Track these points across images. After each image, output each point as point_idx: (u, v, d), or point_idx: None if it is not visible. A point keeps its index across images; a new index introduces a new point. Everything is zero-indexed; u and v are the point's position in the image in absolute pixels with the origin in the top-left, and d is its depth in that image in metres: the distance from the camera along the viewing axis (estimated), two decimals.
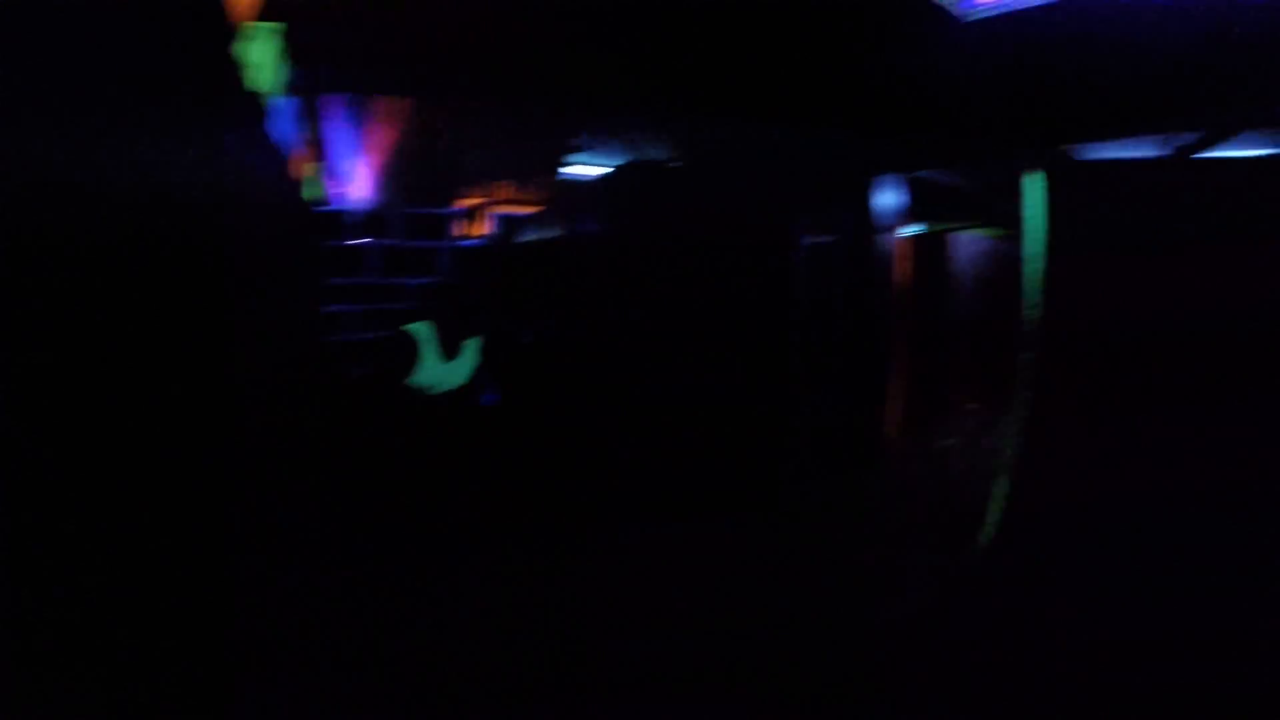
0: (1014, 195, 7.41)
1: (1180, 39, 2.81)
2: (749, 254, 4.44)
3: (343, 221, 5.31)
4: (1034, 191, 3.68)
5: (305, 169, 3.86)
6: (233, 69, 1.99)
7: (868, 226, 5.27)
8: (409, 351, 3.19)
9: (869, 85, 4.00)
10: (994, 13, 2.95)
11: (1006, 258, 8.44)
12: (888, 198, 5.45)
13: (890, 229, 5.51)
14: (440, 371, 3.30)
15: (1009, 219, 8.16)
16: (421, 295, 6.14)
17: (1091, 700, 2.46)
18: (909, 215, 5.75)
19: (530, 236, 5.68)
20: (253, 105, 2.20)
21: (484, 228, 6.44)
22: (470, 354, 3.39)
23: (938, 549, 4.03)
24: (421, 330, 3.25)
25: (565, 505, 3.95)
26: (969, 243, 7.76)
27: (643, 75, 4.02)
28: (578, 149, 5.22)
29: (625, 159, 5.26)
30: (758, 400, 4.30)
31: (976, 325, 7.83)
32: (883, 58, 3.52)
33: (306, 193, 4.03)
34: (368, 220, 5.51)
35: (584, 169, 5.56)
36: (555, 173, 5.41)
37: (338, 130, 3.71)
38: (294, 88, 2.79)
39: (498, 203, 6.34)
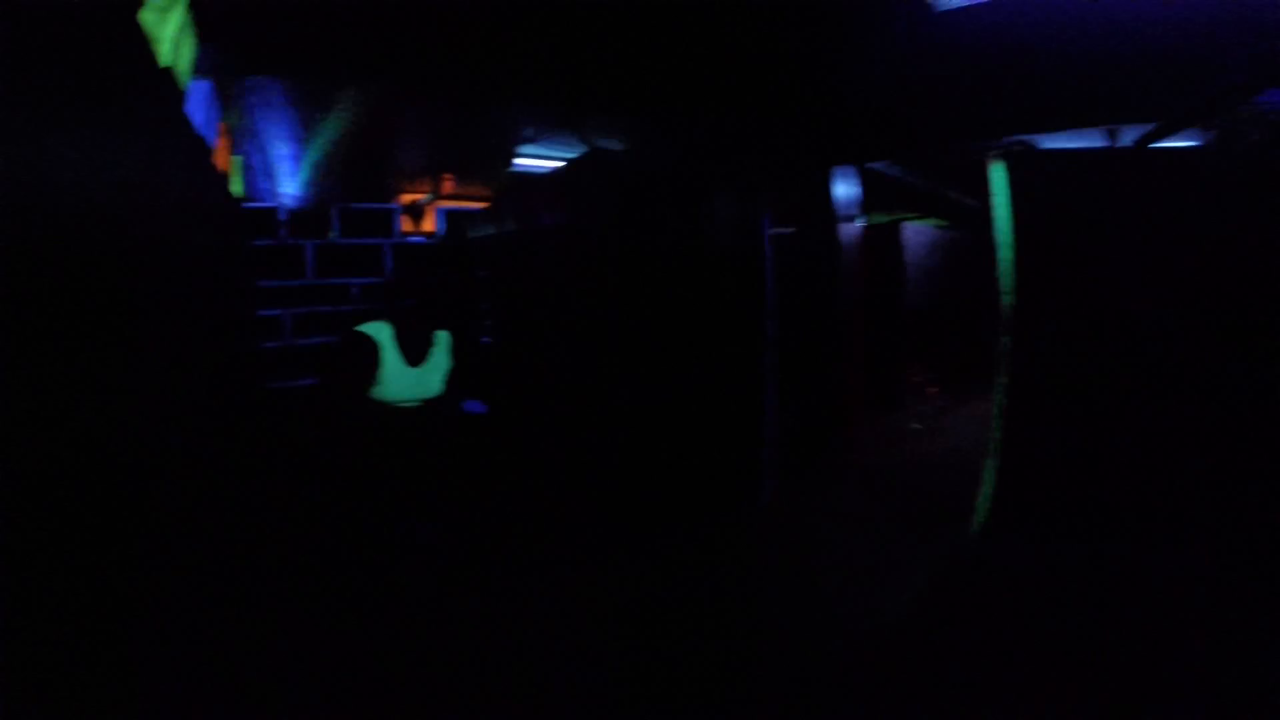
0: (963, 185, 7.56)
1: (1151, 29, 2.81)
2: (713, 245, 4.29)
3: (273, 219, 4.90)
4: (999, 180, 3.65)
5: (226, 161, 3.50)
6: (139, 45, 1.70)
7: (828, 217, 5.21)
8: (368, 356, 2.70)
9: (835, 75, 3.90)
10: (969, 2, 2.87)
11: (953, 247, 8.63)
12: (845, 188, 5.41)
13: (849, 219, 5.47)
14: (408, 379, 2.85)
15: (955, 209, 8.34)
16: (370, 295, 5.78)
17: (1089, 699, 2.43)
18: (864, 206, 5.74)
19: (481, 232, 5.39)
20: (165, 86, 1.89)
21: (430, 224, 6.09)
22: (440, 359, 2.92)
23: (922, 539, 3.99)
24: (380, 331, 2.75)
25: (550, 512, 3.76)
26: (918, 233, 7.88)
27: (598, 63, 3.82)
28: (527, 140, 4.97)
29: (577, 150, 5.04)
30: (729, 393, 4.17)
31: (929, 312, 7.96)
32: (853, 48, 3.42)
33: (230, 187, 3.66)
34: (301, 217, 5.12)
35: (533, 161, 5.32)
36: (504, 166, 5.15)
37: (262, 118, 3.35)
38: (208, 67, 2.45)
39: (443, 197, 6.01)
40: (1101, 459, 3.63)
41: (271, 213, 4.85)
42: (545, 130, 4.76)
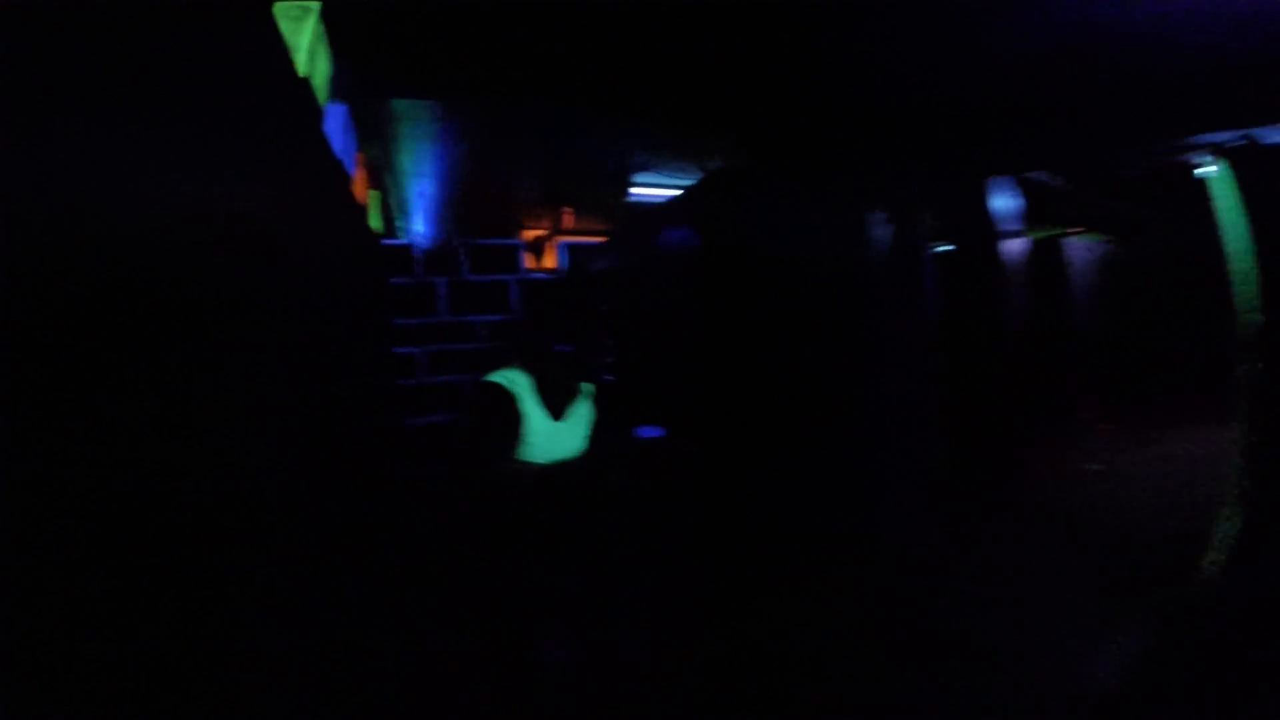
0: (1132, 196, 6.64)
1: None
2: (854, 264, 3.90)
3: (408, 256, 5.08)
4: (1222, 184, 3.05)
5: (365, 194, 3.59)
6: (275, 45, 1.66)
7: (985, 232, 4.66)
8: (508, 410, 2.34)
9: (973, 74, 3.45)
10: None
11: (1123, 265, 7.59)
12: (1001, 201, 4.84)
13: (1010, 234, 4.88)
14: (551, 436, 2.40)
15: (1124, 222, 7.35)
16: (498, 332, 5.84)
17: None
18: (1024, 220, 5.11)
19: (604, 264, 5.32)
20: (303, 97, 1.84)
21: (551, 259, 6.13)
22: (584, 411, 2.51)
23: (1130, 596, 3.29)
24: (515, 380, 2.39)
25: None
26: (1082, 248, 6.99)
27: (705, 80, 3.61)
28: (641, 168, 4.86)
29: (693, 175, 4.86)
30: (884, 423, 3.71)
31: (1100, 337, 6.98)
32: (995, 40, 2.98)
33: (369, 221, 3.77)
34: (433, 254, 5.28)
35: (649, 189, 5.19)
36: (620, 196, 5.05)
37: (403, 149, 3.42)
38: (345, 88, 2.44)
39: (562, 231, 6.03)
40: None
41: (406, 250, 5.01)
42: (660, 155, 4.63)
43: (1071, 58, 3.29)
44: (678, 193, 4.60)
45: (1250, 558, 3.11)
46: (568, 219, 5.60)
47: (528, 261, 6.06)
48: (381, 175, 3.66)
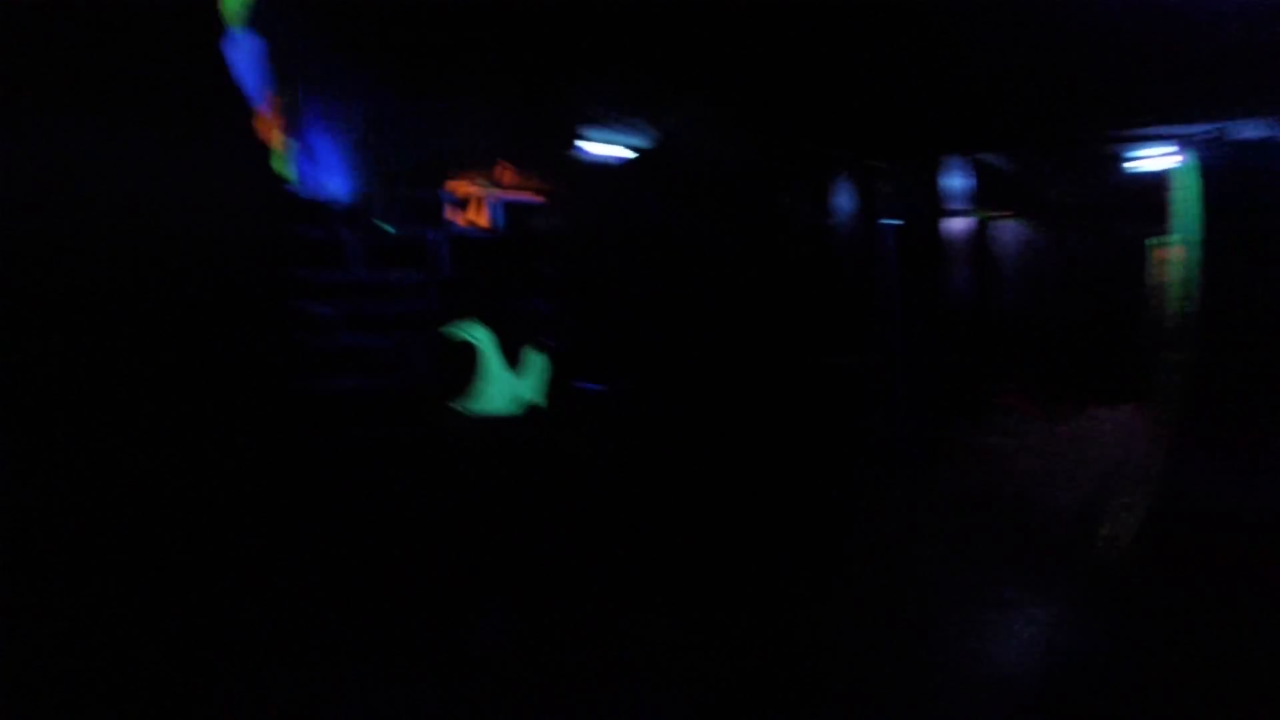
0: (1070, 182, 6.83)
1: None
2: (804, 237, 3.74)
3: (319, 207, 4.49)
4: (1186, 175, 3.05)
5: (274, 138, 3.06)
6: None
7: (934, 210, 4.61)
8: (468, 364, 2.48)
9: (942, 53, 3.32)
10: None
11: (1046, 249, 7.89)
12: (955, 180, 4.80)
13: (957, 213, 4.85)
14: (509, 387, 2.59)
15: (1049, 208, 7.59)
16: (422, 291, 5.35)
17: None
18: (972, 200, 5.11)
19: (545, 224, 4.93)
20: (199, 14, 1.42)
21: (484, 216, 5.65)
22: (536, 366, 2.72)
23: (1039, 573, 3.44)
24: (481, 336, 2.55)
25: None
26: (1009, 232, 7.17)
27: (678, 36, 3.29)
28: (593, 124, 4.48)
29: (650, 136, 4.52)
30: (831, 400, 3.65)
31: (1020, 320, 7.26)
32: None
33: (273, 165, 3.25)
34: (349, 206, 4.70)
35: (601, 147, 4.81)
36: (570, 151, 4.66)
37: (317, 92, 2.91)
38: (260, 22, 1.99)
39: (499, 186, 5.56)
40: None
41: (318, 201, 4.43)
42: (616, 112, 4.26)
43: (1041, 48, 3.23)
44: (632, 154, 4.26)
45: (1151, 528, 3.28)
46: (506, 174, 5.13)
47: (458, 218, 5.56)
48: (295, 119, 3.13)
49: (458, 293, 2.69)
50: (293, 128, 3.26)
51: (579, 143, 4.74)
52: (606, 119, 4.35)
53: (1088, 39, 3.17)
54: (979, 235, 6.65)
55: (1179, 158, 3.22)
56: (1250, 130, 3.35)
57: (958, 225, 4.90)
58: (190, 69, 1.42)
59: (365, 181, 4.40)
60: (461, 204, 5.58)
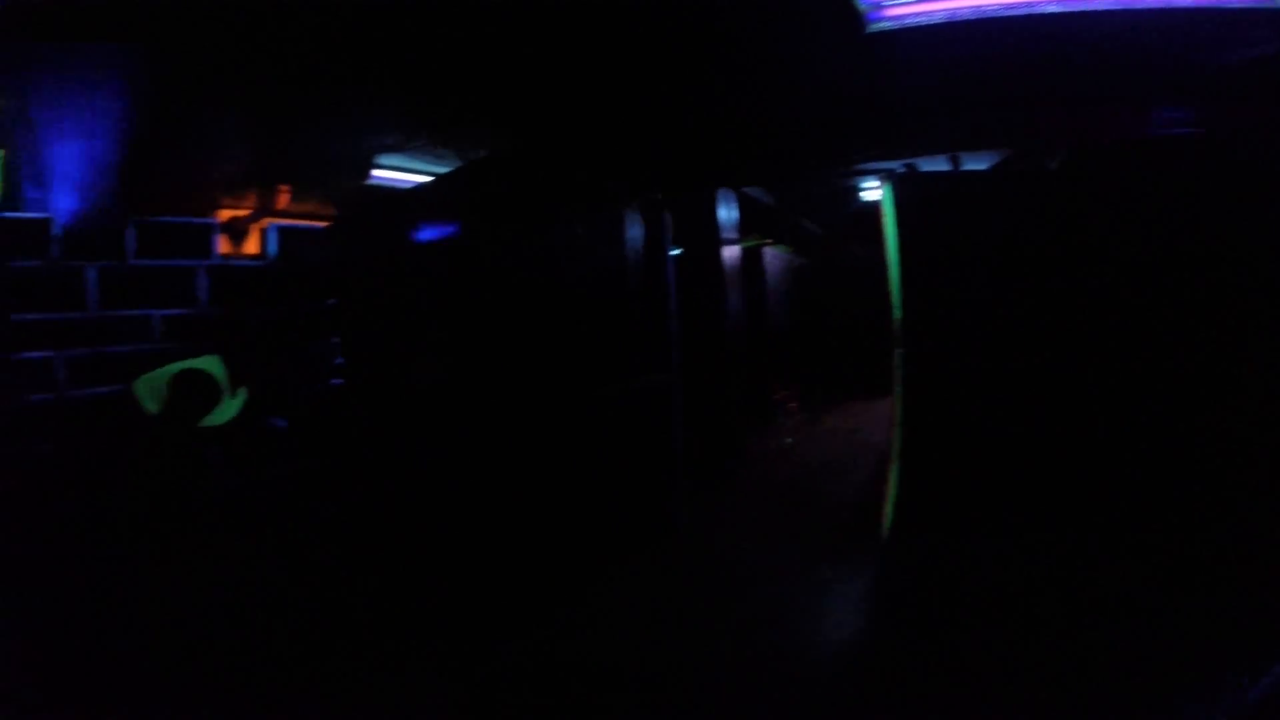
0: (817, 212, 8.00)
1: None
2: (614, 263, 4.00)
3: (42, 233, 3.77)
4: (887, 203, 3.77)
5: None
6: None
7: (713, 238, 5.16)
8: (209, 394, 2.78)
9: (734, 93, 3.81)
10: (901, 25, 2.90)
11: (801, 271, 9.13)
12: (726, 211, 5.42)
13: (729, 241, 5.48)
14: (229, 408, 2.94)
15: (802, 236, 8.83)
16: (182, 328, 4.68)
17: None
18: (739, 229, 5.80)
19: (326, 253, 4.61)
20: None
21: (253, 244, 5.12)
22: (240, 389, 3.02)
23: (839, 548, 3.95)
24: (215, 368, 2.87)
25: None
26: (775, 257, 8.21)
27: (479, 61, 3.40)
28: (388, 150, 4.35)
29: (448, 164, 4.50)
30: (644, 416, 3.87)
31: (786, 332, 8.30)
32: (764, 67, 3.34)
33: None
34: (82, 232, 3.99)
35: (394, 174, 4.67)
36: (360, 178, 4.45)
37: (44, 99, 2.50)
38: None
39: (273, 213, 5.09)
40: (996, 455, 3.83)
41: (41, 225, 3.72)
42: (411, 139, 4.19)
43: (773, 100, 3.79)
44: (427, 179, 4.19)
45: (907, 502, 3.94)
46: (282, 198, 4.73)
47: (222, 245, 4.97)
48: (11, 130, 2.62)
49: (215, 326, 2.71)
50: (8, 140, 2.72)
51: (364, 169, 4.55)
52: (393, 145, 4.25)
53: (813, 94, 3.81)
54: (747, 261, 7.49)
55: (882, 189, 3.93)
56: (934, 164, 4.34)
57: (729, 252, 5.52)
58: None
59: (108, 204, 3.76)
60: (233, 231, 5.02)
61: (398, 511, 3.69)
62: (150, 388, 2.80)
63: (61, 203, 3.53)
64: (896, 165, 4.35)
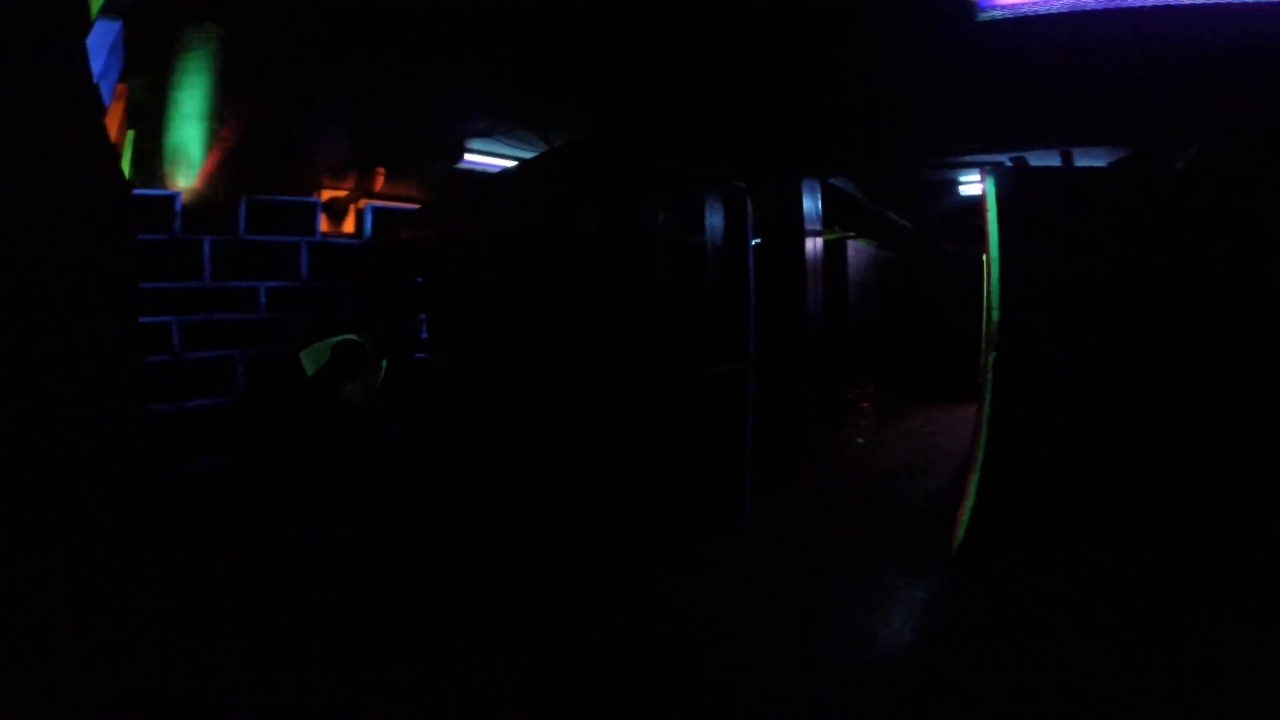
0: (903, 205, 7.68)
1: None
2: (678, 253, 3.94)
3: (167, 209, 4.09)
4: (991, 197, 3.53)
5: (119, 133, 2.80)
6: None
7: (797, 229, 5.03)
8: (361, 361, 3.09)
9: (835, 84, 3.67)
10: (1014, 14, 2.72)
11: (885, 265, 8.79)
12: (810, 201, 5.26)
13: (813, 233, 5.32)
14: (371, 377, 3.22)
15: (889, 229, 8.49)
16: (285, 301, 4.99)
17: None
18: (823, 221, 5.62)
19: (420, 234, 4.79)
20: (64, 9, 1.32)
21: (350, 224, 5.39)
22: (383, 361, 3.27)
23: (906, 557, 3.81)
24: (366, 341, 3.11)
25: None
26: (859, 251, 7.94)
27: (564, 48, 3.41)
28: (478, 134, 4.46)
29: (534, 147, 4.58)
30: (718, 412, 3.84)
31: (864, 329, 8.03)
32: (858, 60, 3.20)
33: (120, 164, 2.94)
34: (199, 209, 4.32)
35: (483, 158, 4.80)
36: (451, 162, 4.59)
37: (175, 83, 2.70)
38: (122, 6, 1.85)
39: (371, 194, 5.33)
40: (1084, 471, 3.58)
41: (166, 202, 4.04)
42: (499, 125, 4.28)
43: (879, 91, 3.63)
44: (513, 164, 4.28)
45: (985, 512, 3.73)
46: (379, 181, 4.95)
47: (323, 224, 5.26)
48: (145, 112, 2.85)
49: (319, 301, 2.83)
50: (142, 121, 2.97)
51: (455, 153, 4.69)
52: (482, 130, 4.34)
53: (915, 81, 3.62)
54: (830, 254, 7.29)
55: (984, 183, 3.69)
56: (1043, 159, 4.04)
57: (811, 244, 5.37)
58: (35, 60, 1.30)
59: (224, 182, 4.06)
60: (333, 211, 5.30)
61: (466, 492, 3.83)
62: (315, 355, 3.15)
63: (185, 181, 3.83)
64: (1002, 159, 4.09)
